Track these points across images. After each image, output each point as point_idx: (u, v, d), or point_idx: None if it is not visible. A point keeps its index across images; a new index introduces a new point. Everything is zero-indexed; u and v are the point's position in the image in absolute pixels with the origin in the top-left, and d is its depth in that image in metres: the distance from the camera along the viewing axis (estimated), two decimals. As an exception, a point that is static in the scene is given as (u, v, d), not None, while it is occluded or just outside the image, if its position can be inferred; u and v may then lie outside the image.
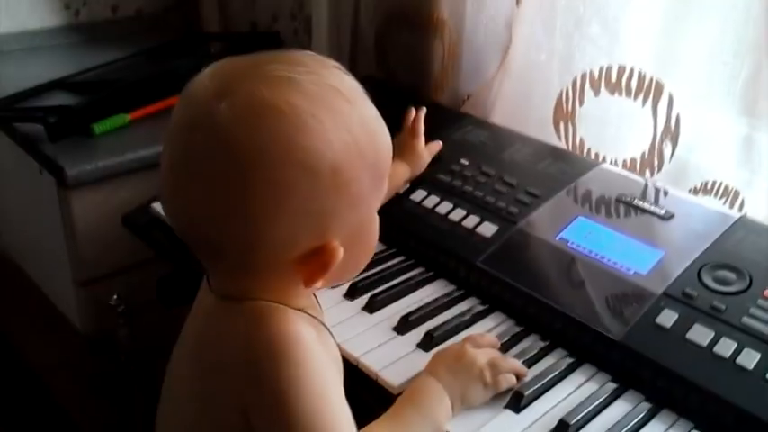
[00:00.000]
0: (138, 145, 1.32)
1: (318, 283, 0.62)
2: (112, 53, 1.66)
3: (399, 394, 0.75)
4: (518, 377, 0.78)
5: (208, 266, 0.66)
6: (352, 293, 0.93)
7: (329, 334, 0.68)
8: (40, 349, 1.45)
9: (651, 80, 1.09)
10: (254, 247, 0.59)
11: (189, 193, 0.58)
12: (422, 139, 1.10)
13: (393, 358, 0.83)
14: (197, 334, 0.67)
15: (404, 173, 1.06)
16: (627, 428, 0.74)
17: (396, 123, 1.27)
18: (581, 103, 1.18)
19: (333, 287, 0.91)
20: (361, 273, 0.95)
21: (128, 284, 1.33)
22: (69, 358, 1.39)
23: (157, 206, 1.08)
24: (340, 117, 0.59)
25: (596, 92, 1.16)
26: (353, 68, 1.52)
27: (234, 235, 0.58)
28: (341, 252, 0.61)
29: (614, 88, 1.13)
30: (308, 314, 0.64)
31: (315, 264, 0.61)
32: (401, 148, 1.07)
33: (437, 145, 1.12)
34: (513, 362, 0.79)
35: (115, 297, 1.33)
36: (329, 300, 0.92)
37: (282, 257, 0.60)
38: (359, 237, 0.64)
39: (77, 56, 1.70)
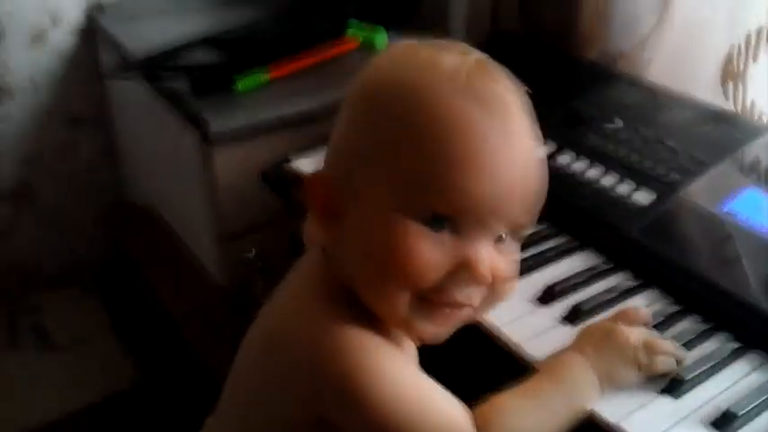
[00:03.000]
0: (278, 103, 1.32)
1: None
2: (254, 12, 1.67)
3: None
4: (677, 361, 0.71)
5: None
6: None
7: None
8: (178, 297, 1.51)
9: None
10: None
11: None
12: None
13: (536, 331, 0.78)
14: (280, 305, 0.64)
15: None
16: (804, 426, 0.66)
17: (539, 83, 1.20)
18: (754, 59, 1.06)
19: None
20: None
21: (265, 240, 1.35)
22: (206, 308, 1.44)
23: (296, 163, 1.08)
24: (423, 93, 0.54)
25: (773, 48, 1.04)
26: (494, 24, 1.45)
27: None
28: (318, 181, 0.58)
29: (795, 44, 1.01)
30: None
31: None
32: None
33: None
34: (671, 345, 0.72)
35: (253, 252, 1.36)
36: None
37: None
38: (358, 211, 0.56)
39: (221, 15, 1.73)
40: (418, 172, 0.53)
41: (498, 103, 0.55)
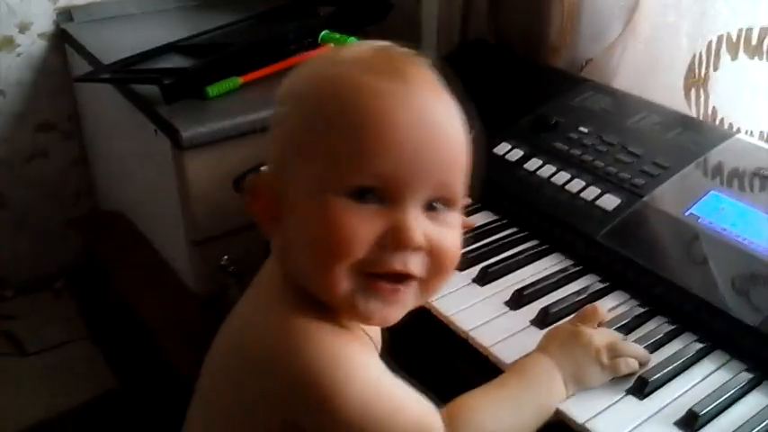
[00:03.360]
0: (250, 108, 1.32)
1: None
2: (225, 17, 1.67)
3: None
4: (640, 362, 0.73)
5: None
6: (461, 264, 0.89)
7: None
8: (150, 304, 1.50)
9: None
10: None
11: None
12: None
13: (505, 334, 0.79)
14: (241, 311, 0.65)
15: None
16: (765, 423, 0.67)
17: (508, 90, 1.23)
18: (716, 68, 1.09)
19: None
20: (473, 243, 0.93)
21: (238, 246, 1.34)
22: (180, 315, 1.43)
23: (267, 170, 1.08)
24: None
25: (734, 55, 1.06)
26: (464, 32, 1.47)
27: None
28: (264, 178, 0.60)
29: (755, 52, 1.04)
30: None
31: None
32: None
33: None
34: (634, 347, 0.74)
35: (226, 258, 1.35)
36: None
37: None
38: (293, 203, 0.58)
39: (191, 20, 1.72)
40: (335, 149, 0.55)
41: (398, 74, 0.56)
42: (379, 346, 0.69)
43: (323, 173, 0.55)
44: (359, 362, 0.58)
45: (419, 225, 0.55)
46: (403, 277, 0.57)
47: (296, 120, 0.59)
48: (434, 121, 0.56)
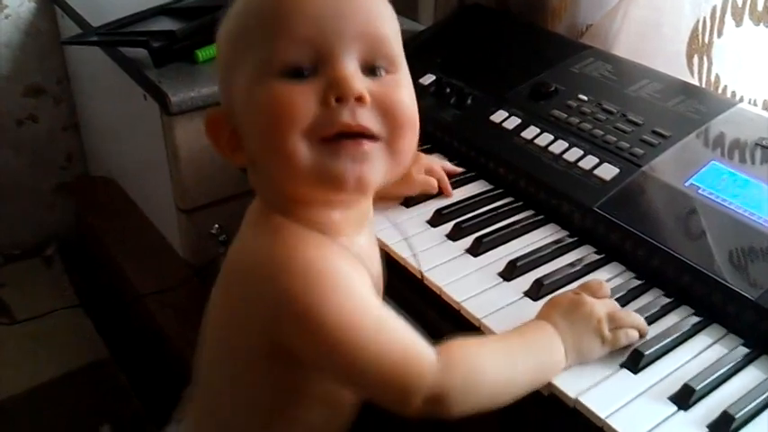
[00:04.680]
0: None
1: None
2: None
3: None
4: (639, 334, 0.71)
5: None
6: (454, 233, 0.88)
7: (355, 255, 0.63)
8: (140, 271, 1.48)
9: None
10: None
11: None
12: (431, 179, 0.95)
13: (498, 305, 0.77)
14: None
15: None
16: (761, 399, 0.66)
17: (506, 56, 1.20)
18: (719, 34, 1.05)
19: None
20: (467, 212, 0.91)
21: (228, 214, 1.32)
22: (169, 282, 1.42)
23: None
24: None
25: (738, 21, 1.03)
26: (463, -4, 1.43)
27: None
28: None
29: (761, 17, 1.00)
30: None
31: None
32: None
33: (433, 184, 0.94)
34: (634, 316, 0.71)
35: (216, 226, 1.33)
36: (430, 239, 0.87)
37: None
38: (241, 112, 0.60)
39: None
40: (262, 35, 0.57)
41: None
42: (381, 284, 0.69)
43: (257, 62, 0.57)
44: (343, 277, 0.58)
45: (357, 76, 0.57)
46: (362, 135, 0.57)
47: (228, 36, 0.61)
48: None
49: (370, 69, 0.58)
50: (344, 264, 0.60)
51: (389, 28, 0.60)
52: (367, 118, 0.57)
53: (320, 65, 0.57)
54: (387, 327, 0.59)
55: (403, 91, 0.60)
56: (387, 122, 0.58)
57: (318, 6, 0.57)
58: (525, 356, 0.66)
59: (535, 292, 0.78)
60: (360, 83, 0.56)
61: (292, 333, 0.58)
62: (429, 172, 0.94)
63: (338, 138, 0.57)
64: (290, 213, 0.61)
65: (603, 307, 0.70)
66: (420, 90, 1.11)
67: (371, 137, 0.58)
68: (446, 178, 0.95)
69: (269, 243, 0.60)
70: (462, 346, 0.63)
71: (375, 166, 0.58)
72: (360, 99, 0.56)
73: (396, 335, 0.59)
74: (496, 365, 0.63)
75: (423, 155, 0.96)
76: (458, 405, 0.60)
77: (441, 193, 0.95)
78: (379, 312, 0.59)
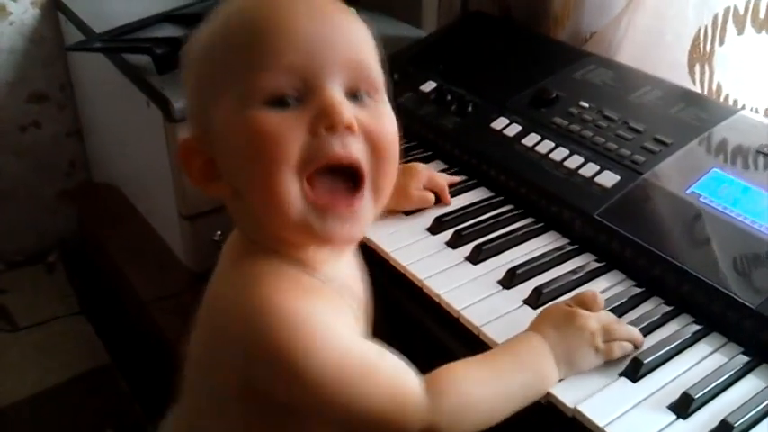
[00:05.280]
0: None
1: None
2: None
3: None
4: (634, 345, 0.71)
5: None
6: (454, 241, 0.88)
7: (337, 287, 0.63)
8: (143, 278, 1.48)
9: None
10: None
11: None
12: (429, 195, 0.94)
13: (497, 314, 0.77)
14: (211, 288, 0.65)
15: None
16: (760, 407, 0.65)
17: (508, 63, 1.20)
18: (721, 42, 1.05)
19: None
20: (467, 220, 0.91)
21: (231, 221, 1.33)
22: (171, 289, 1.42)
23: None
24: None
25: (740, 30, 1.03)
26: (465, 3, 1.43)
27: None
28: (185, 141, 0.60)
29: (762, 25, 1.00)
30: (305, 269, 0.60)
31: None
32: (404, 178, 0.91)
33: (430, 200, 0.94)
34: (628, 328, 0.71)
35: (219, 233, 1.33)
36: (430, 247, 0.87)
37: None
38: (221, 142, 0.58)
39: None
40: (242, 63, 0.55)
41: None
42: (367, 306, 0.67)
43: (241, 90, 0.55)
44: (324, 325, 0.56)
45: (345, 104, 0.56)
46: (352, 176, 0.57)
47: (205, 57, 0.59)
48: (332, 10, 0.58)
49: (353, 95, 0.57)
50: (328, 309, 0.58)
51: (371, 53, 0.59)
52: (357, 149, 0.56)
53: (306, 93, 0.55)
54: (371, 370, 0.58)
55: (388, 119, 0.59)
56: (373, 154, 0.57)
57: (305, 34, 0.55)
58: (514, 373, 0.66)
59: (535, 300, 0.78)
60: (348, 111, 0.55)
61: (274, 382, 0.56)
62: (430, 183, 0.94)
63: (327, 171, 0.56)
64: (270, 248, 0.59)
65: (597, 321, 0.70)
66: (421, 97, 1.12)
67: (359, 175, 0.57)
68: (446, 189, 0.95)
69: (251, 286, 0.57)
70: (449, 373, 0.63)
71: (363, 222, 0.58)
72: (349, 128, 0.55)
73: (381, 376, 0.58)
74: (485, 387, 0.63)
75: (422, 167, 0.96)
76: None
77: (439, 201, 0.95)
78: (362, 356, 0.58)
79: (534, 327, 0.70)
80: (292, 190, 0.55)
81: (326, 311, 0.58)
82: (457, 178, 0.99)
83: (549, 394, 0.67)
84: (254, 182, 0.56)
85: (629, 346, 0.70)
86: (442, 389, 0.61)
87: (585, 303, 0.72)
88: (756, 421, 0.64)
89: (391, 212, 0.92)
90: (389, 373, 0.59)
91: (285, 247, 0.59)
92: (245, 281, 0.58)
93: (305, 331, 0.55)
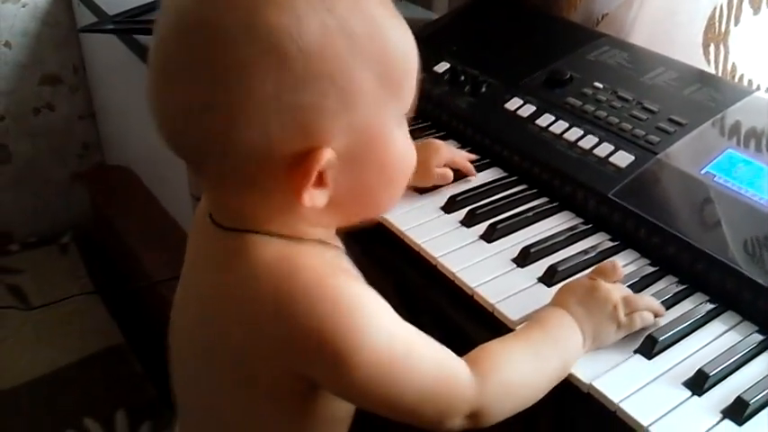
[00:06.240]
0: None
1: (316, 202, 0.54)
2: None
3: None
4: (655, 315, 0.71)
5: (198, 179, 0.61)
6: (468, 220, 0.88)
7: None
8: (155, 259, 1.49)
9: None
10: (231, 143, 0.52)
11: (165, 89, 0.55)
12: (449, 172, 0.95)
13: (511, 291, 0.77)
14: (198, 280, 0.64)
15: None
16: (775, 386, 0.66)
17: (521, 44, 1.20)
18: (736, 22, 1.05)
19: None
20: (481, 199, 0.91)
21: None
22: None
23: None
24: None
25: (756, 9, 1.02)
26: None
27: (208, 129, 0.52)
28: (326, 155, 0.52)
29: (779, 5, 1.00)
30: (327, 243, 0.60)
31: (298, 171, 0.52)
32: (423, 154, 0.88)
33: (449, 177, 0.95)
34: (649, 299, 0.71)
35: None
36: (444, 225, 0.88)
37: (264, 162, 0.52)
38: (365, 152, 0.55)
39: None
40: (403, 82, 0.57)
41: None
42: None
43: (400, 107, 0.58)
44: (375, 310, 0.55)
45: None
46: None
47: (356, 72, 0.53)
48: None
49: None
50: (370, 291, 0.57)
51: None
52: None
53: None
54: (421, 351, 0.57)
55: None
56: None
57: (415, 73, 0.59)
58: (550, 351, 0.65)
59: (549, 278, 0.78)
60: None
61: (322, 370, 0.55)
62: (451, 163, 0.95)
63: None
64: (285, 234, 0.57)
65: (618, 291, 0.70)
66: (435, 78, 1.12)
67: None
68: (469, 165, 0.96)
69: (292, 272, 0.54)
70: (491, 355, 0.62)
71: None
72: None
73: (427, 360, 0.58)
74: (526, 367, 0.63)
75: (443, 145, 0.96)
76: (496, 415, 0.61)
77: (456, 180, 0.95)
78: (409, 336, 0.57)
79: (559, 302, 0.70)
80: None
81: (374, 297, 0.57)
82: (474, 156, 0.99)
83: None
84: (381, 192, 0.61)
85: (650, 316, 0.70)
86: (486, 371, 0.60)
87: (605, 273, 0.72)
88: (771, 398, 0.65)
89: (410, 189, 0.92)
90: (433, 354, 0.58)
91: (304, 227, 0.58)
92: (281, 267, 0.55)
93: (358, 319, 0.54)
